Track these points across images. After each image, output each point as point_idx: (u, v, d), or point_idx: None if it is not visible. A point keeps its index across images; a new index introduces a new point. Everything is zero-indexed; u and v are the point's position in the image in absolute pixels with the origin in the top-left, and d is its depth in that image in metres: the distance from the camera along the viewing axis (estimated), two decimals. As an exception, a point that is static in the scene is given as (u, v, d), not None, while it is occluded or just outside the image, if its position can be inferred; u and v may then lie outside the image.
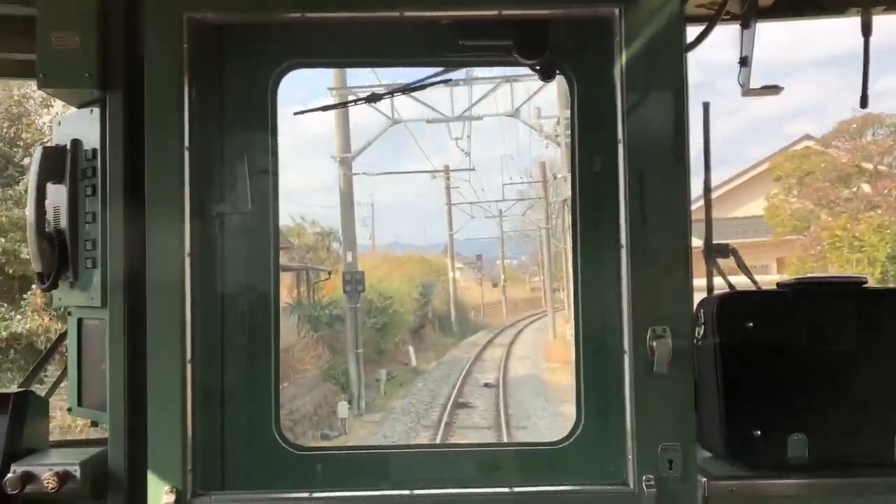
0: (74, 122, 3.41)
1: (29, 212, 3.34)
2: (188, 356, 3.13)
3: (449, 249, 61.51)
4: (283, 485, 3.43)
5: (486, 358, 41.13)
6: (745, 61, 3.43)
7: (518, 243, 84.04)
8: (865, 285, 3.33)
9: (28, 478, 3.08)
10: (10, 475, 3.08)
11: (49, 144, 3.45)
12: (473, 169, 48.03)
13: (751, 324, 3.16)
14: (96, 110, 3.29)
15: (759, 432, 3.12)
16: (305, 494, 3.20)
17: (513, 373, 34.75)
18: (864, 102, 3.33)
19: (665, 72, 3.15)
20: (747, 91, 3.45)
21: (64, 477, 3.07)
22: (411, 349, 39.10)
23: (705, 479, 3.09)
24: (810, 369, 3.17)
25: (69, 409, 3.54)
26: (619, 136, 3.16)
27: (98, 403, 3.33)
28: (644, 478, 3.04)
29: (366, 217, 61.59)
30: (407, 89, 4.21)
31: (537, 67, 3.49)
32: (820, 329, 3.21)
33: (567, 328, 37.64)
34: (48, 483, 3.06)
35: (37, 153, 3.35)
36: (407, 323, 41.14)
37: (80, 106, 3.38)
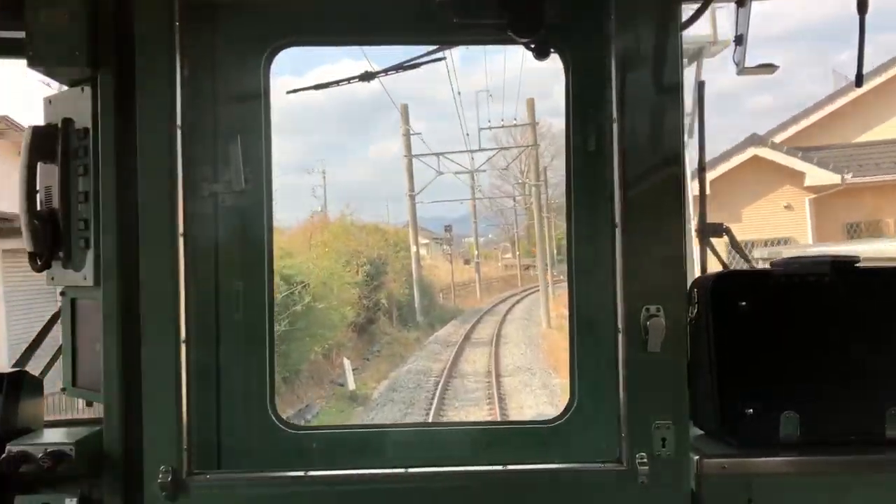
0: (65, 101, 3.38)
1: (20, 191, 3.31)
2: (183, 336, 3.13)
3: (410, 215, 46.76)
4: (279, 464, 3.45)
5: (466, 370, 27.14)
6: (740, 40, 3.42)
7: (486, 216, 75.19)
8: (858, 264, 3.35)
9: (23, 457, 3.08)
10: (4, 455, 3.08)
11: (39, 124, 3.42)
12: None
13: (744, 303, 3.17)
14: (87, 89, 3.25)
15: (751, 410, 3.14)
16: (301, 473, 3.22)
17: (515, 410, 20.88)
18: (859, 81, 3.33)
19: (660, 50, 3.13)
20: (742, 70, 3.44)
21: (59, 456, 3.07)
22: (347, 364, 25.51)
23: (698, 457, 3.12)
24: (803, 348, 3.19)
25: (63, 389, 3.54)
26: (614, 114, 3.15)
27: (93, 383, 3.32)
28: (637, 455, 3.06)
29: (316, 186, 53.22)
30: (400, 67, 4.18)
31: (532, 46, 3.47)
32: (813, 308, 3.22)
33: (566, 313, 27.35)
34: (43, 463, 3.06)
35: (27, 132, 3.32)
36: (336, 321, 27.82)
37: (72, 84, 3.34)
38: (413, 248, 44.60)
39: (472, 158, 50.53)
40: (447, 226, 63.70)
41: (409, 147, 46.38)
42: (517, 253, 79.73)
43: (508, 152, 53.45)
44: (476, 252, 64.69)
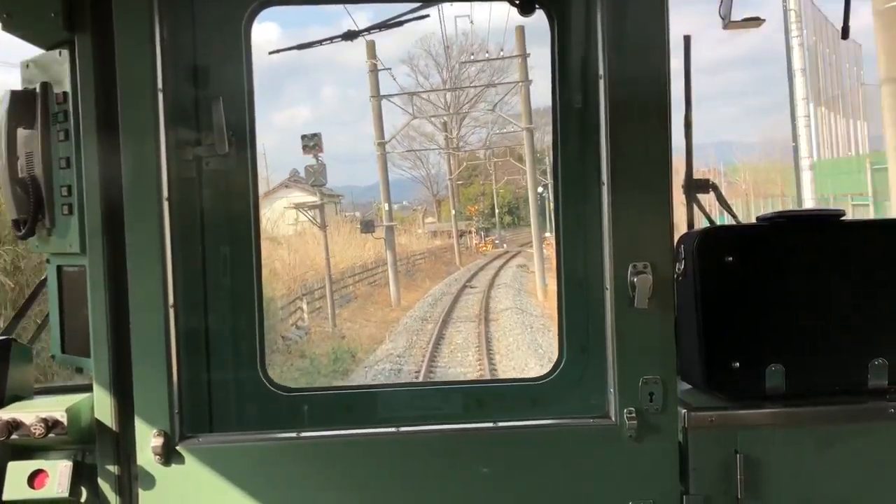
0: (43, 65, 3.31)
1: (1, 158, 3.26)
2: (171, 300, 3.13)
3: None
4: (271, 425, 3.47)
5: None
6: None
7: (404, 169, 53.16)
8: (843, 218, 3.37)
9: (14, 425, 3.08)
10: None
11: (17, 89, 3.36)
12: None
13: (730, 258, 3.19)
14: (65, 52, 3.19)
15: (737, 364, 3.18)
16: (293, 434, 3.24)
17: None
18: (845, 33, 3.32)
19: (646, 5, 3.10)
20: (728, 23, 3.42)
21: (51, 423, 3.08)
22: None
23: (685, 411, 3.16)
24: (788, 302, 3.22)
25: (53, 357, 3.54)
26: (600, 71, 3.12)
27: (82, 350, 3.32)
28: (625, 411, 3.10)
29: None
30: (385, 25, 4.12)
31: (517, 2, 3.43)
32: (798, 262, 3.25)
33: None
34: (35, 430, 3.06)
35: (5, 97, 3.26)
36: None
37: (49, 48, 3.28)
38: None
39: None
40: (308, 136, 29.73)
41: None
42: (452, 212, 56.75)
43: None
44: (388, 206, 36.88)
